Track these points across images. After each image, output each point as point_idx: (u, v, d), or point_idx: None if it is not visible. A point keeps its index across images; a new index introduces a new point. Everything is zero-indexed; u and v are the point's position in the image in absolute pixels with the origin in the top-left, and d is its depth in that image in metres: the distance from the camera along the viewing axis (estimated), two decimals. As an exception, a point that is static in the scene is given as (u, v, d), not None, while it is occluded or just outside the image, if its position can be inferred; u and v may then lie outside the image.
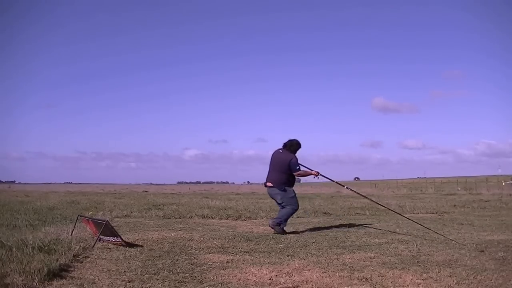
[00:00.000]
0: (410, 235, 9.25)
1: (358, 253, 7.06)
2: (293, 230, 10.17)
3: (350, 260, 6.48)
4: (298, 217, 13.77)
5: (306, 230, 10.22)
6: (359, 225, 11.35)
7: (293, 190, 9.68)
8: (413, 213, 15.36)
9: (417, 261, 6.43)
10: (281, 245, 7.87)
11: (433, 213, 15.56)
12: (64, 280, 5.28)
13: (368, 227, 10.92)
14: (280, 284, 5.20)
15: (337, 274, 5.60)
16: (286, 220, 9.54)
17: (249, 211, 14.81)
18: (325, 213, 15.03)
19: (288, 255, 6.87)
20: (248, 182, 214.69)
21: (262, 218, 13.38)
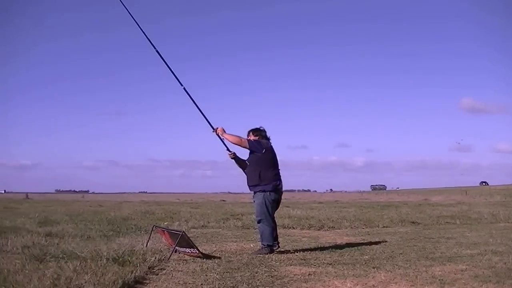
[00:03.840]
0: (505, 246, 8.75)
1: (449, 265, 6.75)
2: (379, 240, 9.85)
3: (440, 272, 6.15)
4: (384, 226, 13.43)
5: (392, 241, 9.92)
6: (449, 235, 10.94)
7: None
8: (508, 222, 14.70)
9: (514, 275, 5.98)
10: (366, 257, 7.67)
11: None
12: (139, 292, 5.23)
13: (459, 237, 10.43)
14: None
15: (425, 287, 5.27)
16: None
17: (332, 220, 14.60)
18: (412, 222, 14.65)
19: (373, 267, 6.61)
20: (331, 190, 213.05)
21: (346, 228, 13.17)
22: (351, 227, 13.29)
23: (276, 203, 8.21)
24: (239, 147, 8.23)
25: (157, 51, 8.61)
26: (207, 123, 8.37)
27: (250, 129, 8.50)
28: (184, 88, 8.43)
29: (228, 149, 8.43)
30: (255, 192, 8.19)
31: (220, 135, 8.29)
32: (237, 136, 8.23)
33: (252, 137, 8.37)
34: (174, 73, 8.49)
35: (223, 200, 44.40)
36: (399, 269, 6.49)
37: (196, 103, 8.42)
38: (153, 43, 8.67)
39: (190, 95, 8.42)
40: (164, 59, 8.60)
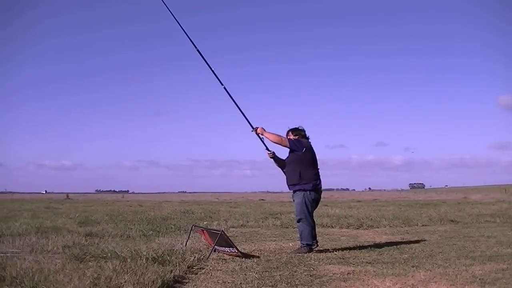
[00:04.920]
0: (548, 245, 8.53)
1: (489, 264, 6.61)
2: (418, 239, 9.74)
3: (480, 272, 6.02)
4: (423, 225, 13.28)
5: (432, 239, 9.80)
6: (489, 233, 10.74)
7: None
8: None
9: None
10: (406, 255, 7.58)
11: None
12: (178, 292, 5.27)
13: (500, 235, 10.26)
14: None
15: (466, 287, 5.24)
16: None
17: (371, 219, 14.49)
18: (452, 220, 14.44)
19: (413, 266, 6.53)
20: (370, 188, 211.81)
21: (385, 226, 13.05)
22: (390, 226, 13.17)
23: (316, 202, 8.18)
24: (279, 146, 8.21)
25: (197, 50, 8.65)
26: (247, 122, 8.38)
27: (289, 128, 8.46)
28: (225, 88, 8.47)
29: (267, 148, 8.41)
30: (294, 191, 8.17)
31: (260, 135, 8.28)
32: (277, 135, 8.21)
33: (291, 137, 8.33)
34: (215, 72, 8.53)
35: (262, 199, 44.40)
36: (438, 268, 6.40)
37: (236, 102, 8.43)
38: (193, 41, 8.71)
39: (230, 94, 8.45)
40: (205, 58, 8.64)
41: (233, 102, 8.40)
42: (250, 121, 8.38)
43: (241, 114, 8.41)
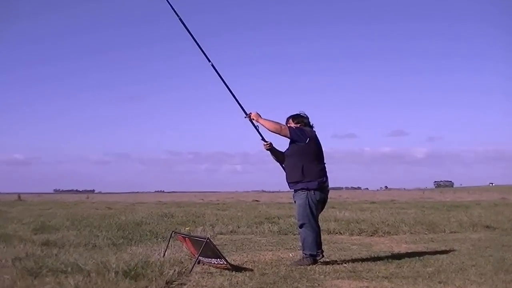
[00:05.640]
0: None
1: (535, 280, 6.60)
2: (446, 248, 9.76)
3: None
4: (452, 232, 13.31)
5: (462, 249, 9.83)
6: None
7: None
8: None
9: None
10: (430, 269, 7.64)
11: None
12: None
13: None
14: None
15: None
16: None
17: (388, 224, 14.51)
18: (487, 226, 14.45)
19: (439, 282, 6.59)
20: (386, 187, 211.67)
21: (405, 233, 13.09)
22: (411, 233, 13.21)
23: (321, 203, 8.20)
24: (278, 135, 8.16)
25: (180, 19, 8.63)
26: (239, 107, 8.37)
27: (290, 115, 8.45)
28: (212, 65, 8.45)
29: (263, 138, 8.40)
30: (296, 191, 8.16)
31: (255, 121, 8.27)
32: (275, 122, 8.17)
33: (292, 125, 8.32)
34: (200, 45, 8.49)
35: (256, 200, 44.43)
36: (471, 285, 6.43)
37: (226, 83, 8.42)
38: (175, 10, 8.69)
39: (220, 73, 8.43)
40: (189, 28, 8.61)
41: (222, 83, 8.39)
42: (242, 106, 8.37)
43: (232, 97, 8.40)
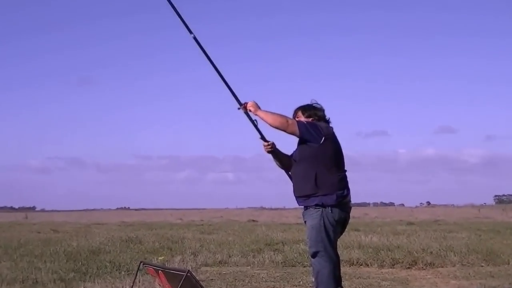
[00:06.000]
0: None
1: None
2: (510, 287, 9.77)
3: None
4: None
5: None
6: None
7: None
8: None
9: None
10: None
11: None
12: None
13: None
14: None
15: None
16: None
17: (431, 252, 14.53)
18: None
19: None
20: (428, 203, 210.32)
21: (454, 265, 13.05)
22: (462, 264, 13.19)
23: (341, 225, 8.04)
24: (282, 132, 7.95)
25: None
26: (231, 94, 8.22)
27: (299, 106, 8.32)
28: (195, 38, 8.30)
29: (263, 138, 8.24)
30: (307, 208, 8.02)
31: (252, 114, 8.10)
32: (279, 114, 7.96)
33: (302, 118, 8.17)
34: (179, 12, 8.39)
35: (254, 220, 44.32)
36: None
37: (214, 62, 8.28)
38: None
39: (205, 49, 8.27)
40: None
41: (208, 62, 8.24)
42: (235, 93, 8.23)
43: (222, 81, 8.26)
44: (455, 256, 14.01)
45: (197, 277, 7.87)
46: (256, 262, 13.60)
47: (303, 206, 8.09)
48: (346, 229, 8.23)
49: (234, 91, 8.21)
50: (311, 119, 8.16)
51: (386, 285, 10.14)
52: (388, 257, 13.73)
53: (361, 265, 12.94)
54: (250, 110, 8.08)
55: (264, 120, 7.99)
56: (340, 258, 8.32)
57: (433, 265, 13.06)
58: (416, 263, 13.18)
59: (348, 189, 8.07)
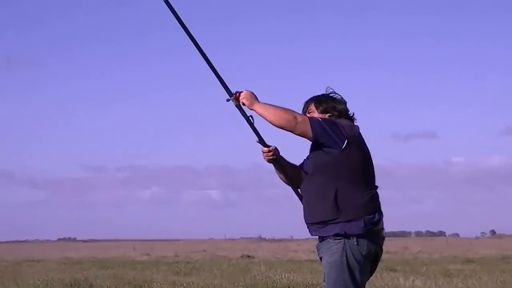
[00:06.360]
0: None
1: None
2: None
3: None
4: None
5: None
6: None
7: None
8: None
9: None
10: None
11: None
12: None
13: None
14: None
15: None
16: None
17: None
18: None
19: None
20: (493, 232, 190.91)
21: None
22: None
23: (371, 262, 6.51)
24: (288, 132, 6.40)
25: None
26: (218, 81, 6.73)
27: (311, 97, 6.77)
28: (167, 1, 6.76)
29: (261, 141, 6.68)
30: (323, 239, 6.45)
31: (247, 107, 6.53)
32: (284, 108, 6.38)
33: (316, 114, 6.60)
34: None
35: (249, 256, 42.86)
36: None
37: (196, 39, 6.76)
38: None
39: (181, 18, 6.78)
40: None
41: (188, 37, 6.75)
42: (222, 78, 6.70)
43: (206, 63, 6.77)
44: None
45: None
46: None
47: (317, 237, 6.60)
48: (377, 268, 6.75)
49: (219, 73, 6.75)
50: (328, 114, 6.65)
51: None
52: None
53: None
54: (243, 103, 6.56)
55: (263, 117, 6.50)
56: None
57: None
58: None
59: (381, 213, 6.58)
